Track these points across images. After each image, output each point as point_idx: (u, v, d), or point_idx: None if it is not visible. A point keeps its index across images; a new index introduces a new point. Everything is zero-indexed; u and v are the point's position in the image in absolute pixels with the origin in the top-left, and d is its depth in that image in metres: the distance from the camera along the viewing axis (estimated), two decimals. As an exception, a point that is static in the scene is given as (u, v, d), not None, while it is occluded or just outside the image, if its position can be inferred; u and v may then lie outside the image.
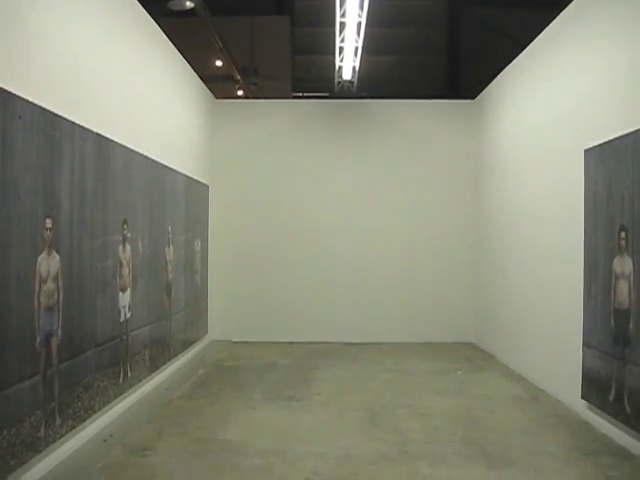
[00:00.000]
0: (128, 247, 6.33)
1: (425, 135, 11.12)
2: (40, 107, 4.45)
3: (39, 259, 4.43)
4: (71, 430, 4.97)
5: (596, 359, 5.81)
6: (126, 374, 6.28)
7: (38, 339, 4.42)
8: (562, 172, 6.96)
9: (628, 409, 5.19)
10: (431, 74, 17.67)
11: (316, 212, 11.09)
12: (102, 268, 5.63)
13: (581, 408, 6.20)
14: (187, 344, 8.95)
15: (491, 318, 9.99)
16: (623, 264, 5.32)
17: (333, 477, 4.66)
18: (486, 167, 10.41)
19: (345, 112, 11.30)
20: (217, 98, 11.09)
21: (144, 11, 7.05)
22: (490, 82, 10.17)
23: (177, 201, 8.34)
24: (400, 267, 11.01)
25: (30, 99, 4.30)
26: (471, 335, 10.90)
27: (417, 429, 5.88)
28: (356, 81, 13.45)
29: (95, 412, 5.46)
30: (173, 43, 8.25)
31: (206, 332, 10.29)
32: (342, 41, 10.89)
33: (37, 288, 4.40)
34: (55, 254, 4.66)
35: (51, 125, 4.64)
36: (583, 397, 6.09)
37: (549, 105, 7.43)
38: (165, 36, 7.91)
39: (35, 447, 4.38)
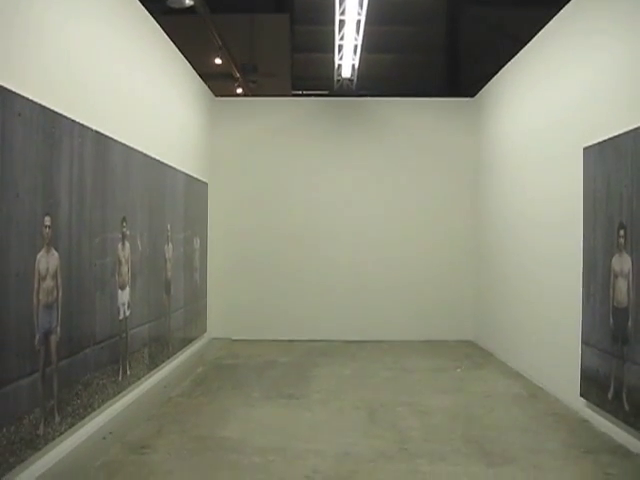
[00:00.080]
0: (127, 245, 6.32)
1: (425, 133, 11.12)
2: (39, 105, 4.45)
3: (38, 257, 4.42)
4: (70, 428, 4.97)
5: (595, 357, 5.81)
6: (125, 372, 6.28)
7: (37, 337, 4.42)
8: (561, 170, 6.96)
9: (627, 407, 5.20)
10: (430, 72, 17.66)
11: (315, 209, 11.08)
12: (101, 266, 5.63)
13: (580, 406, 6.21)
14: (186, 342, 8.96)
15: (490, 316, 9.99)
16: (622, 262, 5.32)
17: (332, 475, 4.66)
18: (485, 165, 10.40)
19: (344, 110, 11.30)
20: (216, 96, 11.08)
21: (143, 8, 7.05)
22: (489, 80, 10.16)
23: (176, 199, 8.33)
24: (400, 265, 11.01)
25: (29, 97, 4.29)
26: (470, 333, 10.91)
27: (416, 427, 5.89)
28: (355, 79, 13.44)
29: (94, 410, 5.46)
30: (172, 41, 8.24)
31: (205, 330, 10.29)
32: (342, 39, 10.89)
33: (36, 286, 4.40)
34: (54, 252, 4.66)
35: (50, 123, 4.63)
36: (582, 395, 6.09)
37: (548, 103, 7.43)
38: (164, 34, 7.90)
39: (34, 445, 4.38)
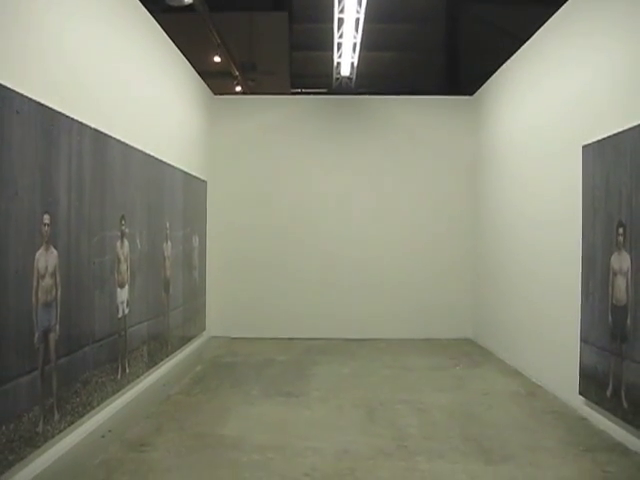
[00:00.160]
0: (126, 243, 6.32)
1: (424, 131, 11.13)
2: (38, 102, 4.44)
3: (37, 255, 4.42)
4: (69, 426, 4.98)
5: (593, 355, 5.82)
6: (124, 370, 6.28)
7: (36, 335, 4.42)
8: (560, 168, 6.96)
9: (625, 405, 5.21)
10: (429, 70, 17.65)
11: (314, 207, 11.09)
12: (100, 264, 5.63)
13: (578, 404, 6.21)
14: (185, 340, 8.96)
15: (489, 314, 10.00)
16: (621, 260, 5.33)
17: (331, 472, 4.67)
18: (484, 163, 10.41)
19: (343, 108, 11.29)
20: (215, 94, 11.07)
21: (142, 7, 7.04)
22: (488, 78, 10.16)
23: (175, 197, 8.33)
24: (399, 263, 11.01)
25: (27, 94, 4.29)
26: (469, 331, 10.92)
27: (415, 424, 5.89)
28: (354, 77, 13.44)
29: (93, 408, 5.47)
30: (171, 39, 8.24)
31: (204, 328, 10.29)
32: (340, 37, 10.88)
33: (35, 284, 4.40)
34: (53, 250, 4.66)
35: (49, 120, 4.63)
36: (580, 393, 6.10)
37: (547, 101, 7.43)
38: (163, 32, 7.89)
39: (33, 443, 4.39)
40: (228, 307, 10.93)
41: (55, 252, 4.69)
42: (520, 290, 8.35)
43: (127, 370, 6.37)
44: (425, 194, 11.09)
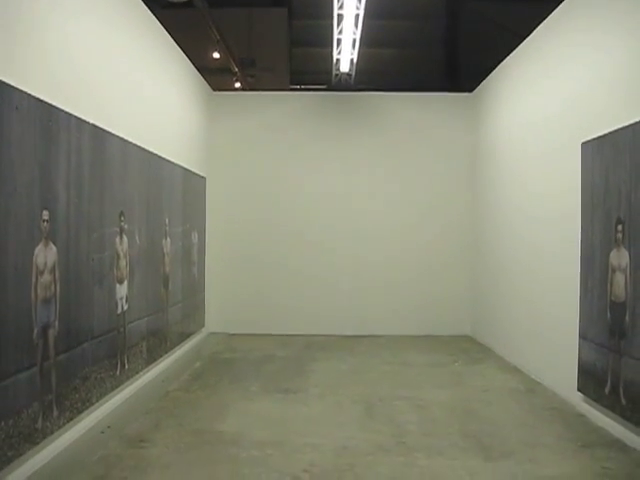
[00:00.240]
0: (125, 239, 6.32)
1: (423, 128, 11.13)
2: (37, 98, 4.44)
3: (36, 251, 4.42)
4: (68, 422, 4.98)
5: (592, 352, 5.82)
6: (123, 366, 6.29)
7: (35, 331, 4.42)
8: (559, 165, 6.96)
9: (624, 401, 5.21)
10: (429, 67, 17.61)
11: (313, 204, 11.08)
12: (99, 260, 5.63)
13: (577, 400, 6.22)
14: (184, 336, 8.96)
15: (488, 311, 10.01)
16: (620, 257, 5.33)
17: (330, 468, 4.68)
18: (483, 159, 10.40)
19: (343, 105, 11.29)
20: (214, 90, 11.07)
21: (142, 3, 7.03)
22: (488, 75, 10.15)
23: (174, 193, 8.33)
24: (398, 260, 11.02)
25: (27, 90, 4.28)
26: (468, 328, 10.93)
27: (414, 421, 5.90)
28: (354, 74, 13.38)
29: (92, 404, 5.47)
30: (171, 35, 8.23)
31: (203, 324, 10.30)
32: (340, 33, 10.84)
33: (34, 280, 4.39)
34: (52, 246, 4.66)
35: (47, 116, 4.62)
36: (579, 389, 6.11)
37: (547, 98, 7.42)
38: (163, 28, 7.88)
39: (32, 439, 4.39)
40: (227, 303, 10.94)
41: (54, 248, 4.69)
42: (519, 287, 8.35)
43: (126, 366, 6.37)
44: (424, 191, 11.09)
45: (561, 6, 7.01)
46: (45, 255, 4.55)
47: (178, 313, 8.55)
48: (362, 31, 10.82)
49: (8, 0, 4.17)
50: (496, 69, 9.71)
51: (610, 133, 5.55)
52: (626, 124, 5.24)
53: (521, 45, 8.42)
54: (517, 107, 8.70)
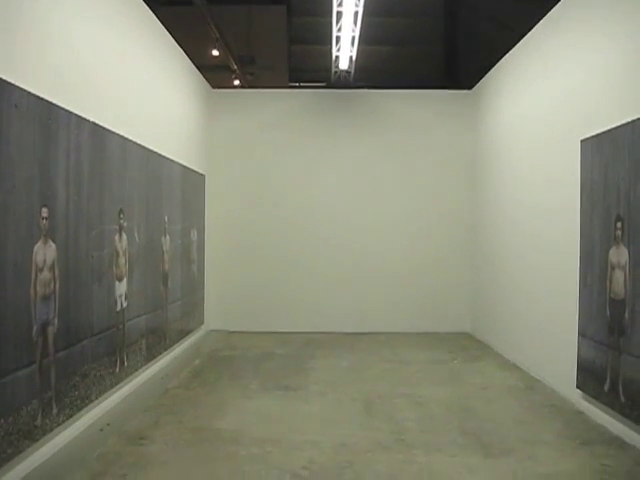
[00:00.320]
0: (124, 236, 6.32)
1: (422, 125, 11.13)
2: (36, 96, 4.43)
3: (35, 248, 4.42)
4: (68, 419, 4.99)
5: (591, 349, 5.83)
6: (122, 363, 6.29)
7: (35, 328, 4.42)
8: (558, 162, 6.96)
9: (623, 399, 5.22)
10: (428, 64, 17.60)
11: (313, 202, 11.09)
12: (98, 257, 5.62)
13: (576, 398, 6.23)
14: (183, 334, 8.96)
15: (487, 308, 10.02)
16: (619, 254, 5.33)
17: (329, 466, 4.68)
18: (483, 157, 10.40)
19: (342, 102, 11.29)
20: (213, 88, 11.06)
21: (141, 1, 7.02)
22: (487, 72, 10.15)
23: (173, 191, 8.32)
24: (397, 258, 11.02)
25: (26, 88, 4.28)
26: (467, 325, 10.94)
27: (413, 418, 5.91)
28: (353, 71, 13.37)
29: (92, 401, 5.47)
30: (170, 32, 8.22)
31: (202, 322, 10.30)
32: (339, 31, 10.83)
33: (33, 277, 4.40)
34: (51, 243, 4.66)
35: (47, 114, 4.62)
36: (578, 387, 6.12)
37: (546, 95, 7.42)
38: (162, 25, 7.87)
39: (32, 436, 4.39)
40: (227, 301, 10.94)
41: (53, 245, 4.69)
42: (518, 284, 8.36)
43: (125, 363, 6.37)
44: (424, 188, 11.09)
45: (560, 3, 7.01)
46: (44, 252, 4.55)
47: (177, 311, 8.55)
48: (361, 28, 10.80)
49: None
50: (495, 66, 9.70)
51: (609, 130, 5.55)
52: (625, 121, 5.24)
53: (520, 42, 8.41)
54: (516, 104, 8.69)
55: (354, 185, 11.09)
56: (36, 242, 4.44)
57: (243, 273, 10.98)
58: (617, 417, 5.37)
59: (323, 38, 13.08)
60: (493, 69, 9.86)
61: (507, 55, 9.06)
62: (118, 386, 6.19)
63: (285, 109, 11.21)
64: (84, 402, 5.30)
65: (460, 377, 7.65)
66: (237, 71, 15.55)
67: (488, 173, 10.09)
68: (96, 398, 5.57)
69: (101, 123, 5.65)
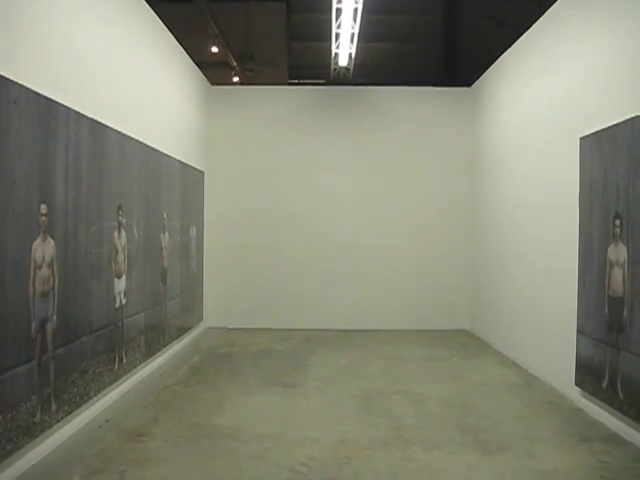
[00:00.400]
0: (123, 233, 6.32)
1: (422, 122, 11.12)
2: (35, 92, 4.42)
3: (34, 245, 4.42)
4: (67, 416, 4.99)
5: (590, 346, 5.84)
6: (121, 360, 6.29)
7: (33, 325, 4.42)
8: (558, 160, 6.95)
9: (621, 396, 5.23)
10: (428, 61, 17.58)
11: (312, 199, 11.08)
12: (97, 254, 5.62)
13: (575, 395, 6.24)
14: (182, 330, 8.97)
15: (486, 305, 10.02)
16: (618, 252, 5.34)
17: (328, 462, 4.68)
18: (482, 154, 10.40)
19: (341, 99, 11.27)
20: (213, 84, 11.04)
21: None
22: (487, 69, 10.14)
23: (172, 187, 8.32)
24: (397, 254, 11.02)
25: (25, 84, 4.27)
26: (466, 322, 10.95)
27: (412, 415, 5.91)
28: (352, 68, 13.36)
29: (90, 398, 5.48)
30: (169, 29, 8.20)
31: (201, 319, 10.30)
32: (338, 27, 10.81)
33: (32, 274, 4.39)
34: (50, 240, 4.65)
35: (46, 110, 4.61)
36: (577, 384, 6.12)
37: (545, 93, 7.41)
38: (161, 22, 7.86)
39: (31, 432, 4.39)
40: (226, 298, 10.94)
41: (52, 242, 4.68)
42: (517, 282, 8.36)
43: (124, 360, 6.37)
44: (423, 185, 11.09)
45: (560, 0, 7.00)
46: (43, 249, 4.54)
47: (176, 307, 8.55)
48: (360, 25, 10.78)
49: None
50: (495, 63, 9.69)
51: (608, 128, 5.55)
52: (624, 119, 5.24)
53: (520, 39, 8.41)
54: (516, 101, 8.68)
55: (353, 182, 11.08)
56: (35, 239, 4.44)
57: (242, 270, 10.97)
58: (615, 414, 5.38)
59: (323, 35, 13.06)
60: (492, 66, 9.85)
61: (506, 52, 9.06)
62: (117, 383, 6.19)
63: (284, 106, 11.20)
64: (83, 399, 5.30)
65: (459, 374, 7.65)
66: (236, 68, 15.54)
67: (487, 170, 10.09)
68: (95, 395, 5.58)
69: (100, 119, 5.64)
